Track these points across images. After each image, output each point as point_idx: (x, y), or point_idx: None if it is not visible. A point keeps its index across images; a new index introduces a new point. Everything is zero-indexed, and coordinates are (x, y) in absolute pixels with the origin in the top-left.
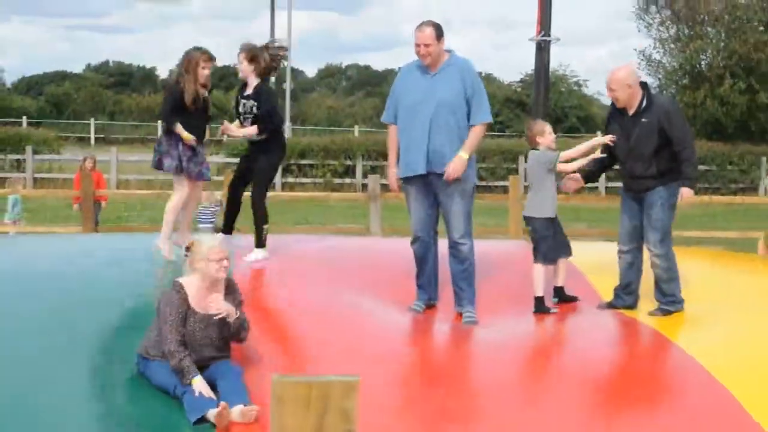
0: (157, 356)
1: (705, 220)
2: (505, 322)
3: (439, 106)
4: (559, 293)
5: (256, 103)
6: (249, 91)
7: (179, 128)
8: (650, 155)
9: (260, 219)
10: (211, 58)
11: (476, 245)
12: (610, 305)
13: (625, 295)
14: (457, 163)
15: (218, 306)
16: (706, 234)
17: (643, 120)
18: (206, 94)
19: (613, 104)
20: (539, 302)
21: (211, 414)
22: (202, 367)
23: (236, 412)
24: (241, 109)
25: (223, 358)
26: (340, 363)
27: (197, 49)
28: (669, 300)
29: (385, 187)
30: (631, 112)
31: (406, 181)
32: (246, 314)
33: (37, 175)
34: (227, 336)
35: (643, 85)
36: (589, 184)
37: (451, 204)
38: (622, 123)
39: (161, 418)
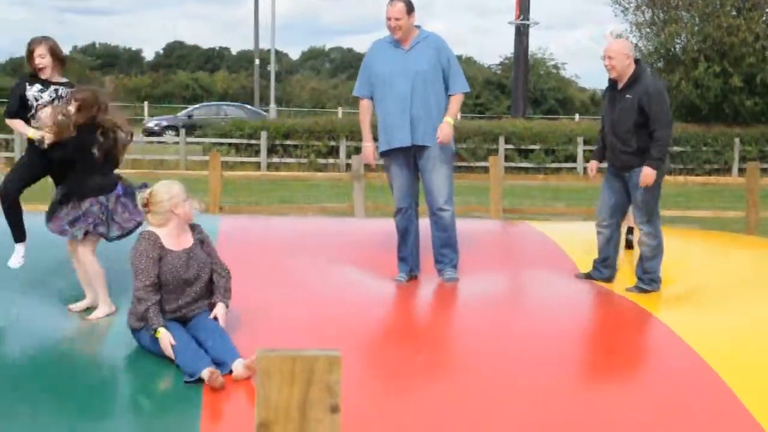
0: (143, 324)
1: (680, 200)
2: (487, 288)
3: (416, 78)
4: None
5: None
6: (62, 79)
7: None
8: (629, 131)
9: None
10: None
11: (458, 224)
12: (588, 276)
13: (603, 268)
14: (445, 128)
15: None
16: (682, 213)
17: (627, 96)
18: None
19: (609, 79)
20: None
21: (204, 374)
22: (186, 320)
23: (239, 366)
24: (48, 97)
25: (205, 305)
26: (328, 332)
27: None
28: (649, 278)
29: (368, 167)
30: (620, 86)
31: (388, 154)
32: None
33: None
34: (208, 270)
35: (636, 62)
36: (568, 164)
37: (434, 171)
38: (612, 96)
39: (155, 378)
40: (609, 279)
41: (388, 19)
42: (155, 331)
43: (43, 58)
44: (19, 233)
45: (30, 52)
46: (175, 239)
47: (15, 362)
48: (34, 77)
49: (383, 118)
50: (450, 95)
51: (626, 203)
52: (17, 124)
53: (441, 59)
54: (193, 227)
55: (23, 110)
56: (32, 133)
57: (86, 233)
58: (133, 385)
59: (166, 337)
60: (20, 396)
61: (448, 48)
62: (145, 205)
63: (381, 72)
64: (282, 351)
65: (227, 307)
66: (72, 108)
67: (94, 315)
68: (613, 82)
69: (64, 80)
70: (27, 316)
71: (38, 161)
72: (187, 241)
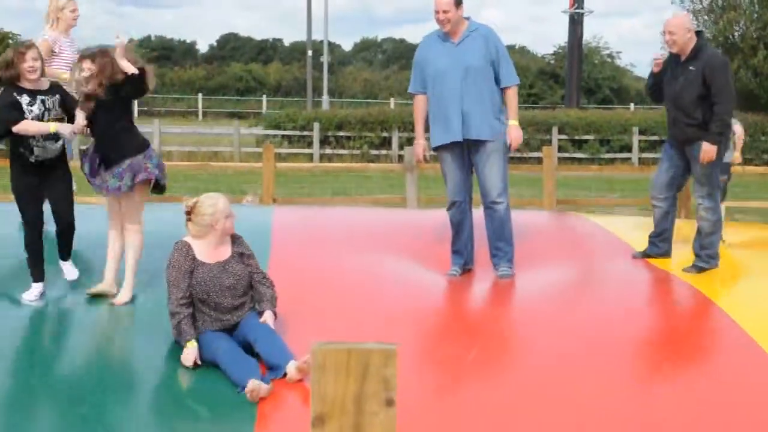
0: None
1: (738, 191)
2: (541, 281)
3: (468, 72)
4: None
5: (59, 97)
6: (44, 86)
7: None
8: (692, 103)
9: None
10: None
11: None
12: (645, 254)
13: (660, 242)
14: (514, 132)
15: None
16: (740, 204)
17: (690, 68)
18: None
19: (670, 52)
20: None
21: (246, 389)
22: (232, 328)
23: (292, 369)
24: (37, 110)
25: (248, 309)
26: (380, 325)
27: None
28: (707, 254)
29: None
30: (682, 58)
31: (441, 148)
32: (272, 280)
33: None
34: (244, 283)
35: (698, 34)
36: (623, 155)
37: (488, 164)
38: (673, 69)
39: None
40: (666, 254)
41: (437, 12)
42: (186, 342)
43: (36, 61)
44: (38, 271)
45: (21, 54)
46: (212, 252)
47: (64, 366)
48: (16, 87)
49: (436, 112)
50: (503, 89)
51: (684, 178)
52: (27, 125)
53: (490, 49)
54: (235, 239)
55: (22, 116)
56: (53, 126)
57: (135, 181)
58: (187, 388)
59: (191, 353)
60: (68, 403)
61: (497, 37)
62: (188, 213)
63: (432, 67)
64: (337, 344)
65: (275, 314)
66: (88, 76)
67: (120, 299)
68: (675, 56)
69: (47, 84)
70: (78, 319)
71: (31, 180)
72: (224, 252)
